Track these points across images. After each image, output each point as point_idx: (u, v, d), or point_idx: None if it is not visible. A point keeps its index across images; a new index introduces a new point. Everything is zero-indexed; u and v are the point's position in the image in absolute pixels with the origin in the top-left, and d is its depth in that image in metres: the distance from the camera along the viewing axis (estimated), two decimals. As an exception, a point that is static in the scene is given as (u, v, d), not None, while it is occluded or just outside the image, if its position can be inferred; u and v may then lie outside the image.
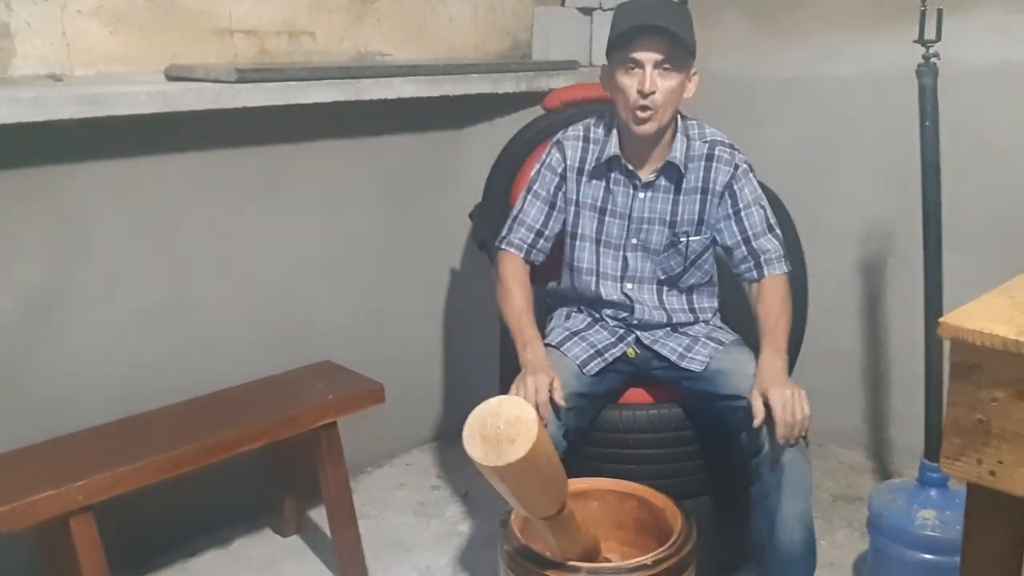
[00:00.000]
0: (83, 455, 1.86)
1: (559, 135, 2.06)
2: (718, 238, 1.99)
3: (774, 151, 2.59)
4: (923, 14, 1.85)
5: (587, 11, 2.85)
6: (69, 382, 2.09)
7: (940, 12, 1.83)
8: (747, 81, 2.74)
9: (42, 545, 1.89)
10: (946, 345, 1.10)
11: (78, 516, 1.74)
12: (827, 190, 2.62)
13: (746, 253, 1.95)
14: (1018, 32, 2.25)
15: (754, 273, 1.95)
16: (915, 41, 1.86)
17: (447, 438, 2.92)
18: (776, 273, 1.94)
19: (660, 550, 1.57)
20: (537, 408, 1.66)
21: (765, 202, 1.98)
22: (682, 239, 1.97)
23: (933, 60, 1.86)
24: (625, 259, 2.00)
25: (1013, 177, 2.32)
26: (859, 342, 2.69)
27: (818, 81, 2.62)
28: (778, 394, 1.70)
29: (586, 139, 2.01)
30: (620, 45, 1.84)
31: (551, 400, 1.77)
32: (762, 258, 1.94)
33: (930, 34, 1.85)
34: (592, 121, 2.03)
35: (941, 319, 1.07)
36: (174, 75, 2.14)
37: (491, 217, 2.29)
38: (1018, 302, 1.12)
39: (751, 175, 1.97)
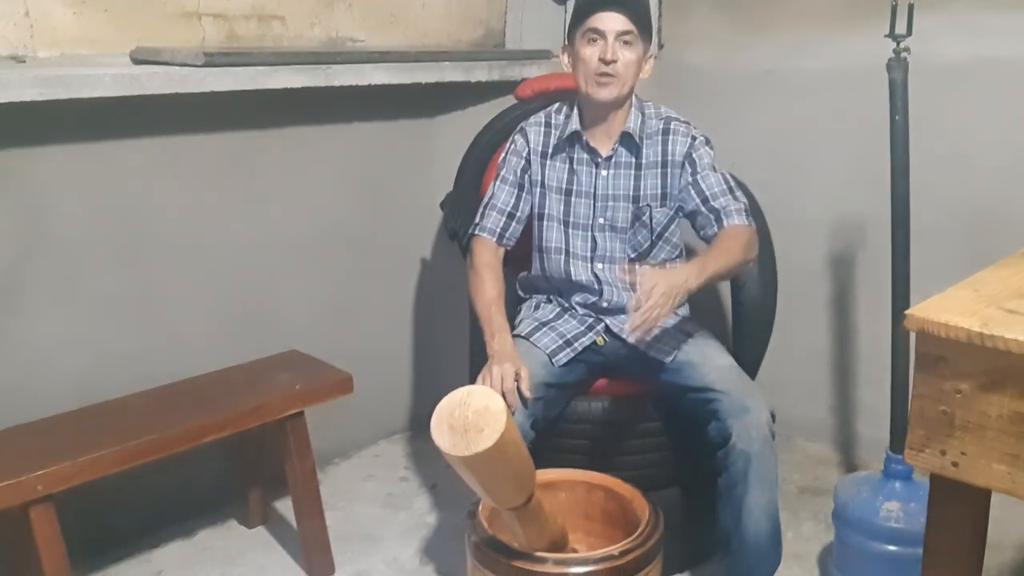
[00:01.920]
0: (43, 444, 1.82)
1: (522, 123, 2.10)
2: (683, 208, 2.00)
3: (746, 144, 2.60)
4: (894, 9, 1.85)
5: (561, 0, 2.84)
6: (30, 370, 2.05)
7: (911, 7, 1.84)
8: (720, 74, 2.75)
9: (1, 535, 1.86)
10: (912, 338, 1.11)
11: (38, 506, 1.71)
12: (798, 183, 2.63)
13: (707, 212, 1.95)
14: (987, 28, 2.27)
15: (715, 227, 1.93)
16: (886, 36, 1.87)
17: (416, 429, 2.91)
18: (736, 223, 1.92)
19: (627, 541, 1.57)
20: (504, 397, 1.65)
21: (725, 172, 2.00)
22: (646, 212, 1.99)
23: (904, 55, 1.87)
24: (594, 239, 2.02)
25: (981, 172, 2.34)
26: (827, 335, 2.71)
27: (790, 75, 2.63)
28: (650, 278, 1.68)
29: (547, 124, 2.06)
30: (583, 16, 1.89)
31: (519, 391, 1.77)
32: (722, 212, 1.93)
33: (901, 29, 1.86)
34: (553, 108, 2.08)
35: (907, 311, 1.08)
36: (140, 58, 2.10)
37: (462, 206, 2.28)
38: (983, 295, 1.13)
39: (708, 147, 2.00)
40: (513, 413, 1.72)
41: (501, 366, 1.79)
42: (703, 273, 1.76)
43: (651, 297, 1.66)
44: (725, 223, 1.92)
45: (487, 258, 2.02)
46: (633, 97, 1.98)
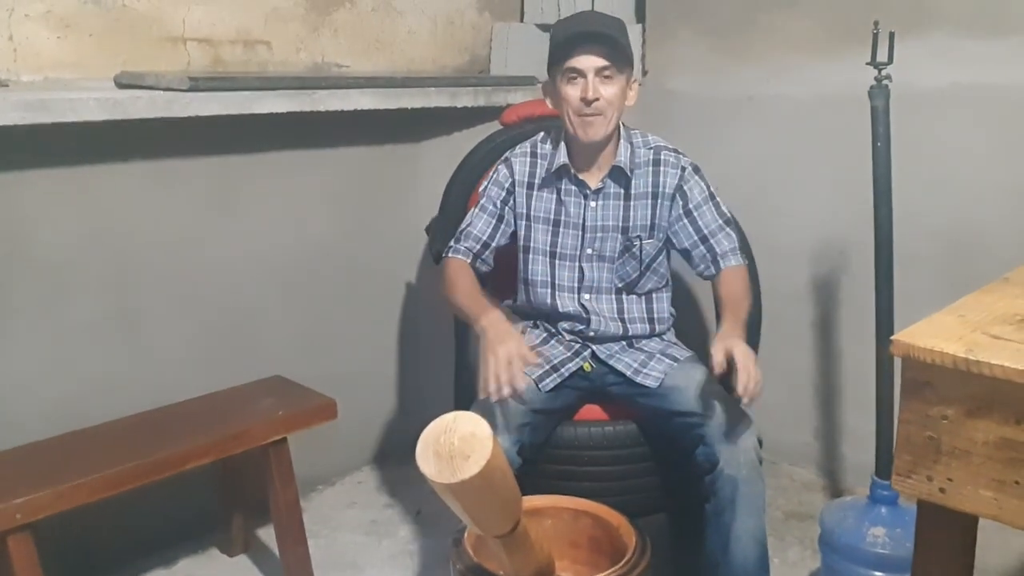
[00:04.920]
0: (22, 471, 1.80)
1: (507, 153, 2.08)
2: (675, 241, 2.01)
3: (729, 169, 2.60)
4: (875, 37, 1.87)
5: (545, 27, 2.86)
6: (9, 395, 2.02)
7: (892, 35, 1.86)
8: (702, 99, 2.77)
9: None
10: (897, 363, 1.11)
11: (16, 535, 1.68)
12: (781, 208, 2.65)
13: (704, 251, 1.98)
14: (967, 56, 2.29)
15: (711, 268, 1.98)
16: (867, 63, 1.89)
17: (400, 456, 2.88)
18: (732, 265, 1.97)
19: (614, 569, 1.56)
20: (513, 387, 1.66)
21: (719, 198, 2.01)
22: (635, 243, 1.98)
23: (885, 82, 1.89)
24: (581, 269, 2.01)
25: (963, 197, 2.36)
26: (812, 359, 2.71)
27: (772, 101, 2.65)
28: (742, 350, 1.69)
29: (533, 154, 2.04)
30: (560, 56, 1.87)
31: (527, 363, 1.73)
32: (718, 253, 1.97)
33: (882, 56, 1.88)
34: (539, 138, 2.06)
35: (893, 337, 1.08)
36: (124, 82, 2.10)
37: (447, 231, 2.27)
38: (968, 321, 1.14)
39: (699, 175, 2.00)
40: (522, 399, 1.72)
41: (504, 346, 1.69)
42: (743, 322, 1.84)
43: (747, 361, 1.68)
44: (722, 265, 1.97)
45: (458, 267, 2.03)
46: (621, 127, 1.97)
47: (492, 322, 1.79)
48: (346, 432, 2.41)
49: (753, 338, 2.11)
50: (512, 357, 1.68)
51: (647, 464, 1.98)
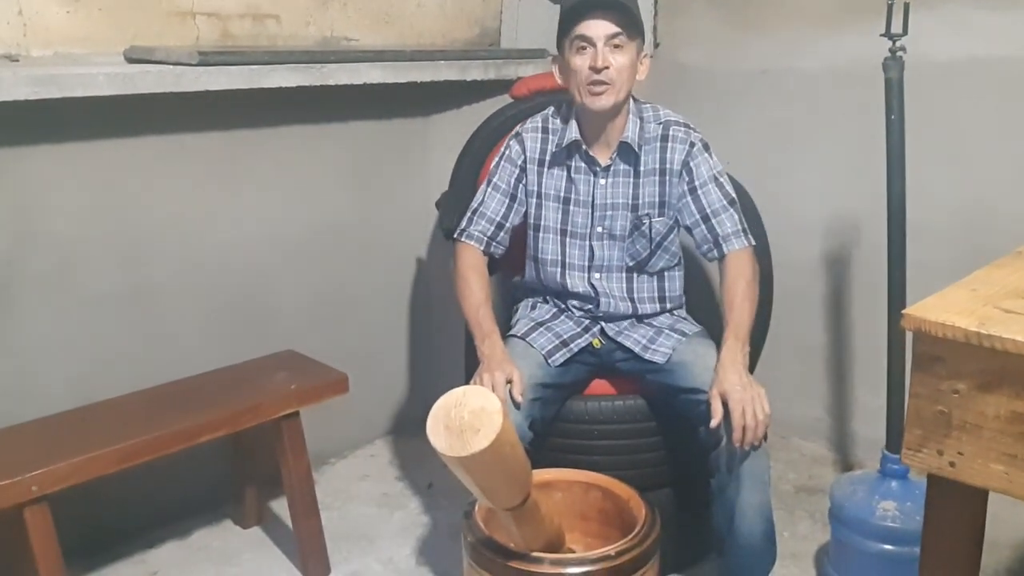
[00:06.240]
0: (38, 444, 1.82)
1: (517, 128, 2.06)
2: (679, 218, 1.97)
3: (742, 142, 2.61)
4: (890, 8, 1.85)
5: None
6: (24, 370, 2.04)
7: (907, 6, 1.84)
8: (716, 73, 2.74)
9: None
10: (908, 337, 1.10)
11: (32, 506, 1.70)
12: (793, 182, 2.63)
13: (705, 232, 1.94)
14: (983, 27, 2.27)
15: (715, 252, 1.94)
16: (882, 35, 1.87)
17: (411, 429, 2.90)
18: (735, 249, 1.92)
19: (623, 541, 1.57)
20: None
21: (725, 177, 1.96)
22: (645, 221, 1.96)
23: (899, 54, 1.87)
24: (591, 248, 1.99)
25: (977, 171, 2.34)
26: (823, 334, 2.71)
27: (785, 74, 2.62)
28: (737, 398, 1.68)
29: (544, 130, 2.01)
30: (569, 24, 1.84)
31: (511, 396, 1.77)
32: (720, 235, 1.92)
33: (897, 28, 1.86)
34: (550, 112, 2.03)
35: (904, 311, 1.08)
36: (134, 57, 2.09)
37: (457, 206, 2.27)
38: (980, 295, 1.13)
39: (708, 152, 1.96)
40: None
41: (491, 374, 1.78)
42: (745, 340, 1.81)
43: (745, 416, 1.66)
44: (725, 249, 1.92)
45: (472, 261, 2.01)
46: (631, 101, 1.94)
47: (492, 349, 1.85)
48: (358, 406, 2.43)
49: (763, 314, 2.11)
50: (497, 385, 1.75)
51: (655, 439, 1.99)
